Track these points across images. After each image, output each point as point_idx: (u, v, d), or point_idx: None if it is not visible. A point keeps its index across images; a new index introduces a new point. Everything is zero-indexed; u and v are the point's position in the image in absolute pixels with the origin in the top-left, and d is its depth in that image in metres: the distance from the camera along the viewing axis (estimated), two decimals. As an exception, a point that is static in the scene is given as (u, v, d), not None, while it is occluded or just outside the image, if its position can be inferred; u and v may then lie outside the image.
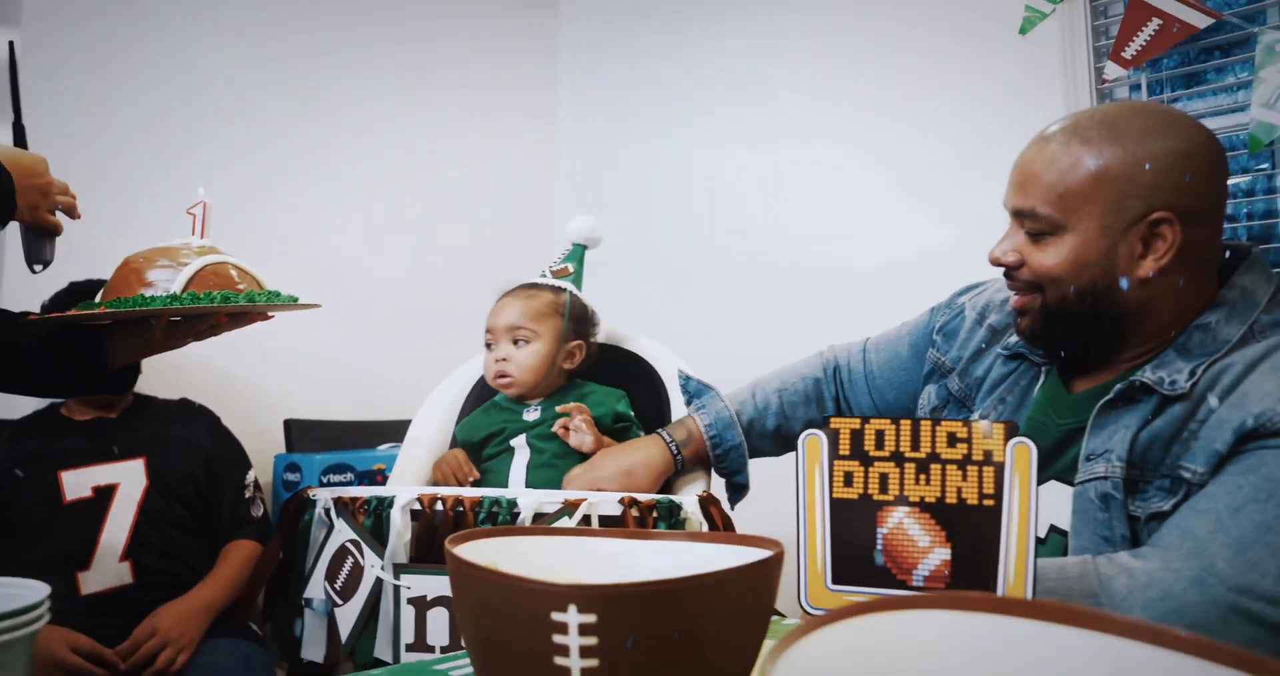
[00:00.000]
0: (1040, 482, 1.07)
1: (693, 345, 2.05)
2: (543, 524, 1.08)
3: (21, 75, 1.28)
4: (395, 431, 2.26)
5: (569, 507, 1.06)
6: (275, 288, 1.30)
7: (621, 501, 1.07)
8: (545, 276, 1.55)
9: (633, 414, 1.50)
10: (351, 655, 1.13)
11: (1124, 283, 0.98)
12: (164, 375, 2.02)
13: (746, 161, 2.71)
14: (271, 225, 2.48)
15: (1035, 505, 0.76)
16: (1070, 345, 1.07)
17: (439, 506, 1.11)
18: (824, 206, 2.52)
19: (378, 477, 2.23)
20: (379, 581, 1.10)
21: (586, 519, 1.06)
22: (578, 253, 1.58)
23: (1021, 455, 0.77)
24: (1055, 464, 1.05)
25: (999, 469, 0.77)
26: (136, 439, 1.79)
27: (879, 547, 0.78)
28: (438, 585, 1.07)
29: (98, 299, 1.26)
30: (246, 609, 1.32)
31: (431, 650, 1.07)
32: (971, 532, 0.77)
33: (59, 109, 2.16)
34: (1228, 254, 1.05)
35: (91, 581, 1.66)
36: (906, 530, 0.78)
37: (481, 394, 1.60)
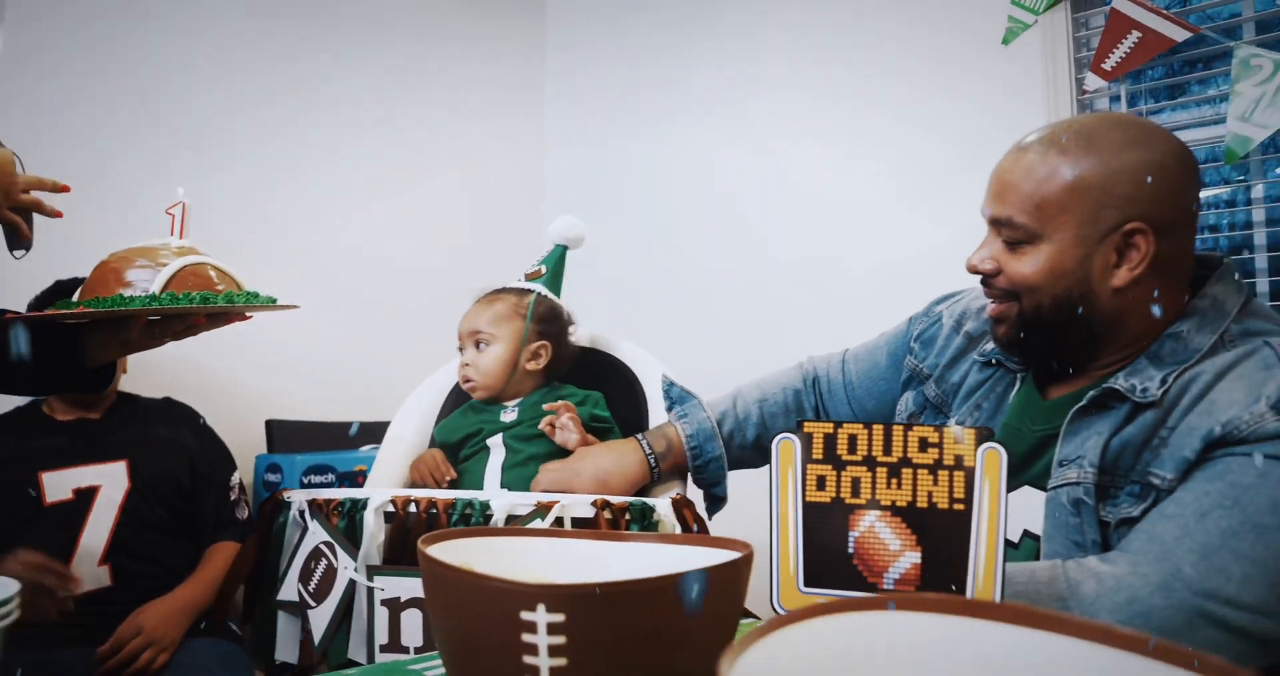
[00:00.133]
0: (1014, 488, 1.09)
1: (681, 348, 2.06)
2: (516, 525, 1.08)
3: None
4: (377, 432, 2.25)
5: (542, 510, 1.07)
6: (254, 288, 1.30)
7: (594, 503, 1.07)
8: (520, 280, 1.56)
9: (608, 415, 1.50)
10: (325, 656, 1.13)
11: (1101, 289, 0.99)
12: (148, 374, 2.01)
13: (735, 162, 2.72)
14: (255, 226, 2.47)
15: (1005, 510, 0.76)
16: (1046, 353, 1.08)
17: (412, 508, 1.11)
18: (813, 207, 2.53)
19: (359, 479, 2.22)
20: (353, 583, 1.10)
21: (559, 520, 1.06)
22: (557, 253, 1.58)
23: (992, 460, 0.78)
24: (1029, 470, 1.06)
25: (969, 474, 0.78)
26: (119, 440, 1.78)
27: (850, 550, 0.79)
28: (411, 586, 1.07)
29: (75, 298, 1.25)
30: (223, 608, 1.31)
31: (405, 651, 1.07)
32: (942, 536, 0.77)
33: (52, 108, 2.16)
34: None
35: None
36: (878, 533, 0.79)
37: (460, 395, 1.60)
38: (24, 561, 1.48)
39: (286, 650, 1.20)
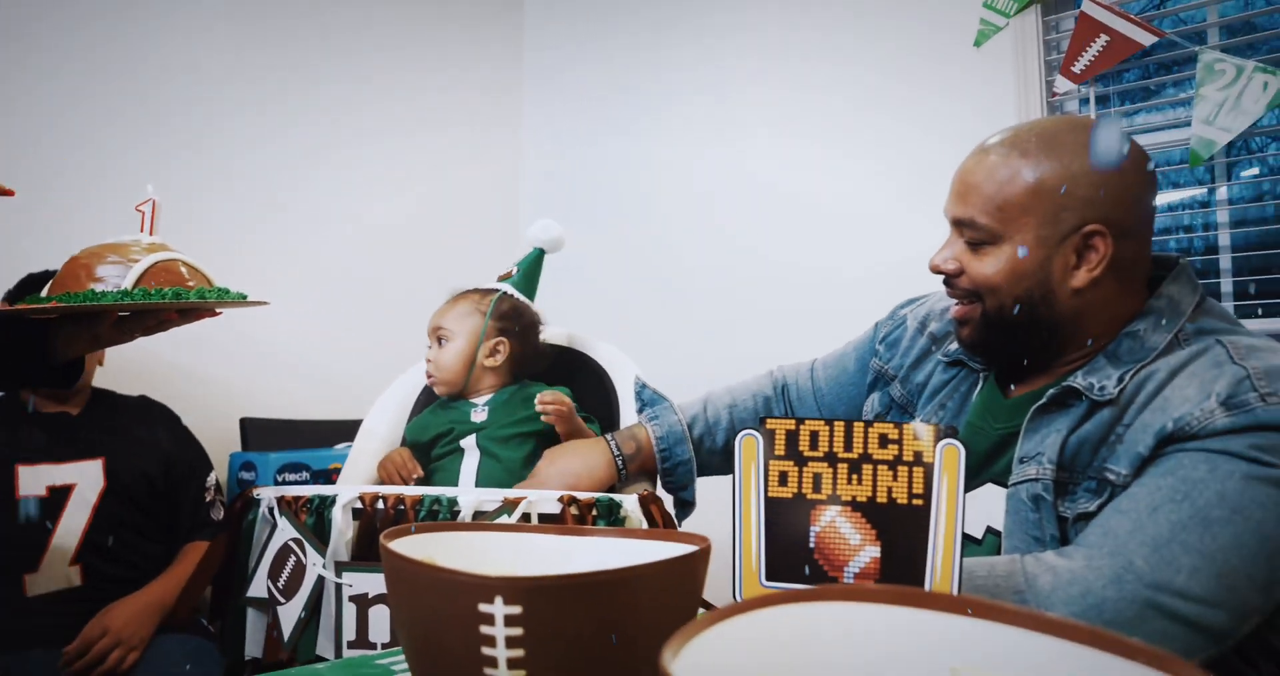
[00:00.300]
0: (978, 485, 1.11)
1: (660, 350, 2.08)
2: (482, 521, 1.09)
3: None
4: (352, 431, 2.25)
5: (509, 506, 1.07)
6: (226, 285, 1.30)
7: (561, 499, 1.08)
8: (495, 281, 1.57)
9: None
10: (294, 652, 1.13)
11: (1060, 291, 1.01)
12: (124, 371, 2.01)
13: (713, 163, 2.74)
14: (233, 224, 2.47)
15: (962, 505, 0.78)
16: (1008, 353, 1.09)
17: (381, 505, 1.11)
18: (793, 208, 2.55)
19: (333, 477, 2.22)
20: (321, 579, 1.11)
21: (526, 516, 1.07)
22: (532, 256, 1.60)
23: (950, 456, 0.79)
24: (992, 467, 1.08)
25: (928, 470, 0.79)
26: (96, 438, 1.77)
27: (811, 545, 0.80)
28: (379, 583, 1.07)
29: (44, 293, 1.25)
30: (189, 604, 1.31)
31: (373, 647, 1.07)
32: (901, 531, 0.79)
33: (20, 106, 2.15)
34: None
35: (38, 583, 1.64)
36: (838, 528, 0.80)
37: (432, 393, 1.61)
38: None
39: (255, 646, 1.20)
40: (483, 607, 0.52)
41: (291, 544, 1.16)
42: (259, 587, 1.19)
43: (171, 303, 1.21)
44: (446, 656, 0.56)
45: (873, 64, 2.42)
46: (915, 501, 0.79)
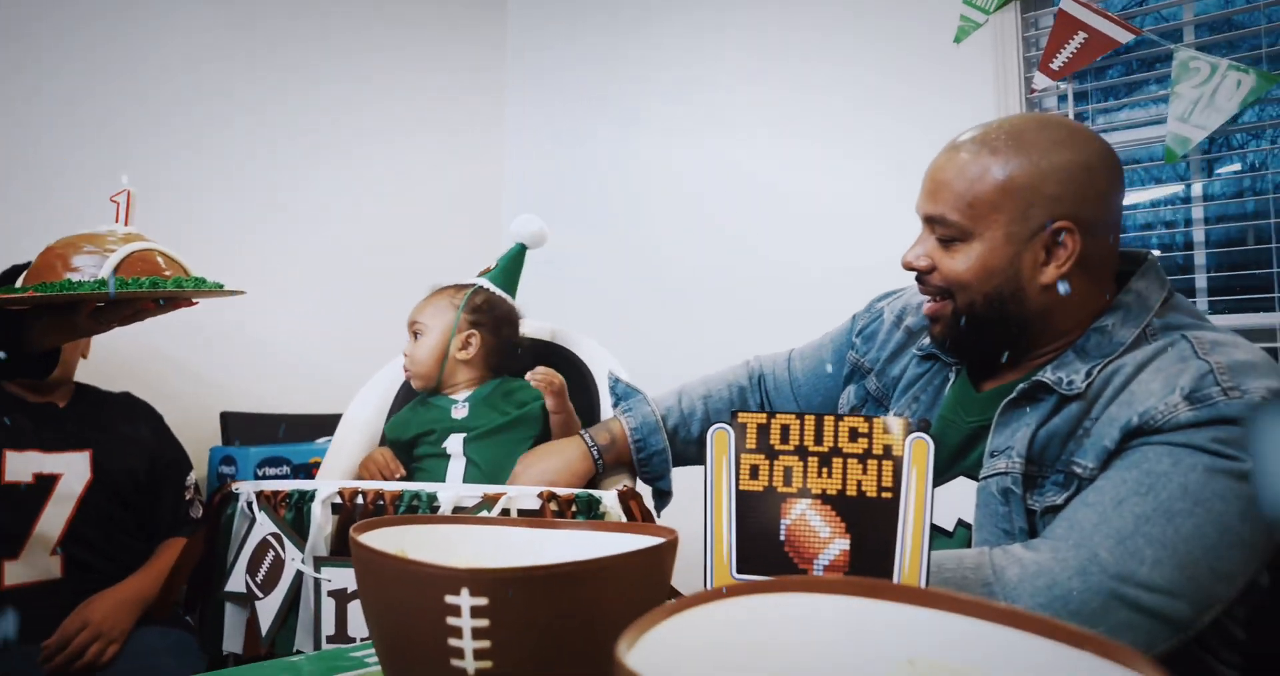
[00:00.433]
0: (950, 478, 1.12)
1: (648, 346, 2.09)
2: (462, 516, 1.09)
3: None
4: (333, 425, 2.26)
5: (489, 501, 1.08)
6: (202, 275, 1.30)
7: (541, 495, 1.09)
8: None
9: None
10: (272, 647, 1.14)
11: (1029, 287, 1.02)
12: (106, 365, 2.00)
13: (699, 160, 2.74)
14: (216, 218, 2.47)
15: (930, 498, 0.79)
16: (979, 349, 1.10)
17: (360, 500, 1.12)
18: (780, 205, 2.56)
19: (313, 471, 2.22)
20: (300, 574, 1.11)
21: (506, 512, 1.08)
22: (513, 251, 1.60)
23: (919, 450, 0.80)
24: (964, 461, 1.09)
25: (898, 463, 0.80)
26: (84, 431, 1.76)
27: (782, 537, 0.81)
28: (358, 577, 1.08)
29: (19, 283, 1.25)
30: (168, 597, 1.32)
31: (352, 641, 1.08)
32: (870, 524, 0.80)
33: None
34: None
35: (17, 572, 1.63)
36: (808, 521, 0.81)
37: (410, 388, 1.61)
38: None
39: (234, 641, 1.20)
40: (449, 599, 0.53)
41: (270, 538, 1.16)
42: (237, 582, 1.19)
43: (150, 292, 1.21)
44: (414, 648, 0.56)
45: (860, 61, 2.43)
46: (885, 494, 0.80)
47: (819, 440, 0.82)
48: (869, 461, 0.81)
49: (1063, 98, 2.21)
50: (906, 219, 1.84)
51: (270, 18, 2.66)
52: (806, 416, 0.82)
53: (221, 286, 1.29)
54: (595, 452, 1.36)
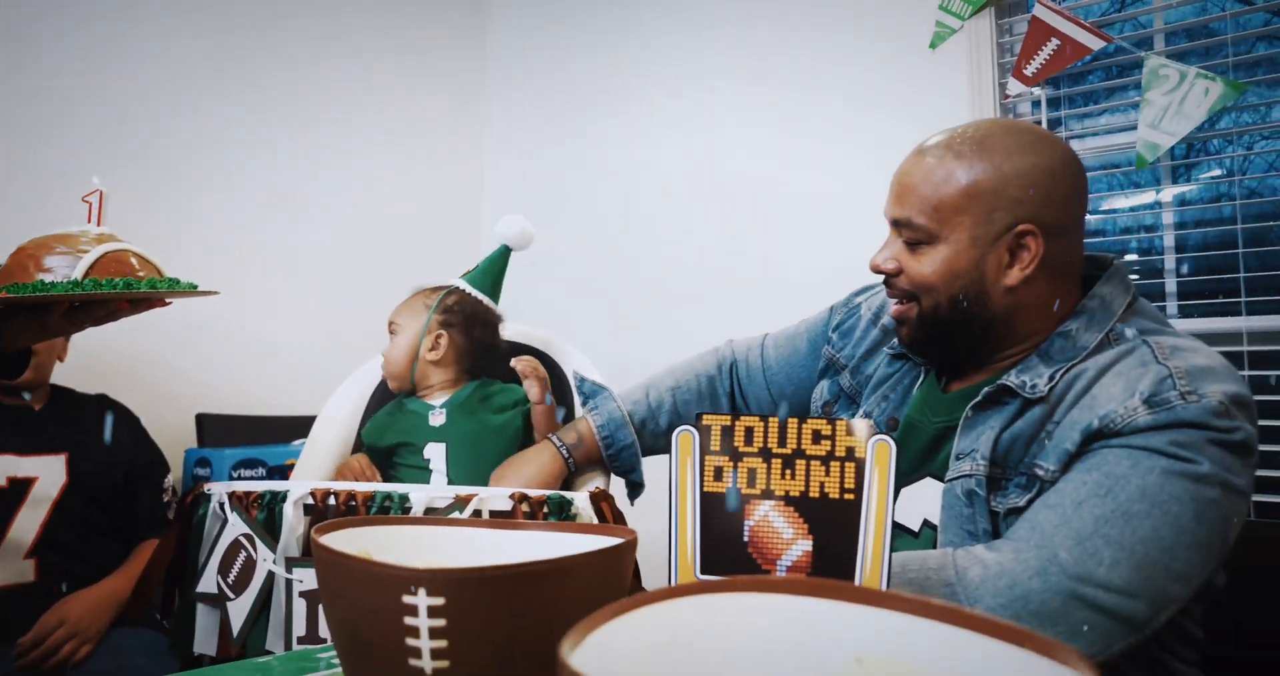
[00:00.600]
0: (917, 479, 1.13)
1: (632, 348, 2.08)
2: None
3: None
4: (309, 427, 2.25)
5: (460, 502, 1.08)
6: (176, 276, 1.30)
7: (512, 497, 1.09)
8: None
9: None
10: (243, 648, 1.14)
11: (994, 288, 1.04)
12: (81, 365, 1.99)
13: (681, 159, 2.75)
14: (194, 219, 2.47)
15: (892, 499, 0.80)
16: (945, 351, 1.12)
17: (332, 501, 1.12)
18: (767, 204, 2.57)
19: (289, 473, 2.21)
20: (271, 575, 1.11)
21: (478, 514, 1.08)
22: (496, 252, 1.59)
23: (881, 451, 0.81)
24: (931, 462, 1.10)
25: (860, 465, 0.81)
26: (60, 433, 1.75)
27: (745, 539, 0.82)
28: (329, 578, 1.08)
29: None
30: (142, 598, 1.31)
31: (323, 642, 1.08)
32: (832, 525, 0.81)
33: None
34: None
35: None
36: (772, 522, 0.82)
37: (386, 389, 1.61)
38: None
39: (205, 642, 1.20)
40: (406, 599, 0.54)
41: (242, 539, 1.16)
42: (209, 583, 1.19)
43: (123, 293, 1.21)
44: (373, 648, 0.57)
45: (848, 62, 2.44)
46: (847, 496, 0.81)
47: (782, 442, 0.83)
48: (832, 463, 0.82)
49: (1036, 103, 2.23)
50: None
51: (249, 24, 2.65)
52: (771, 418, 0.83)
53: (195, 287, 1.29)
54: (565, 452, 1.37)
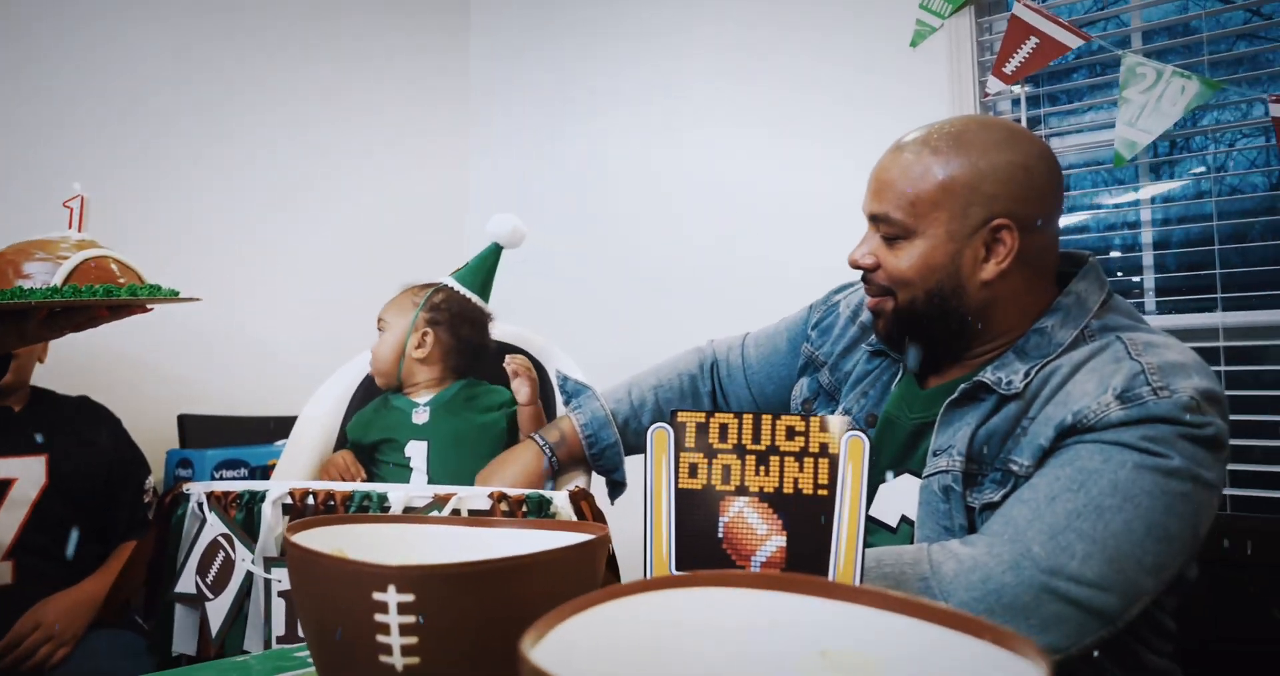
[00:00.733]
0: (896, 475, 1.14)
1: (620, 347, 2.08)
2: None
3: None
4: (292, 428, 2.25)
5: (439, 501, 1.08)
6: (157, 281, 1.29)
7: (491, 496, 1.09)
8: None
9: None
10: (222, 648, 1.14)
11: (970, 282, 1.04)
12: (62, 365, 1.98)
13: (668, 160, 2.75)
14: (177, 221, 2.46)
15: (865, 495, 0.80)
16: (922, 343, 1.13)
17: (310, 500, 1.12)
18: (743, 202, 2.58)
19: (271, 473, 2.21)
20: (250, 575, 1.11)
21: (457, 513, 1.08)
22: (485, 250, 1.59)
23: (855, 447, 0.82)
24: (909, 458, 1.11)
25: (833, 460, 0.82)
26: (41, 435, 1.75)
27: (720, 535, 0.82)
28: (307, 577, 1.08)
29: None
30: (119, 599, 1.31)
31: (302, 641, 1.08)
32: (806, 521, 0.81)
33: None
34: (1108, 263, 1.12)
35: None
36: (746, 519, 0.82)
37: (370, 387, 1.61)
38: None
39: (184, 642, 1.19)
40: (376, 596, 0.54)
41: (221, 539, 1.16)
42: (187, 583, 1.19)
43: (103, 300, 1.20)
44: (344, 644, 0.57)
45: (826, 56, 2.45)
46: (821, 492, 0.81)
47: (756, 439, 0.83)
48: (805, 459, 0.82)
49: (1016, 101, 2.24)
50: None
51: (242, 27, 2.65)
52: (745, 415, 0.83)
53: (177, 293, 1.28)
54: (548, 450, 1.37)
